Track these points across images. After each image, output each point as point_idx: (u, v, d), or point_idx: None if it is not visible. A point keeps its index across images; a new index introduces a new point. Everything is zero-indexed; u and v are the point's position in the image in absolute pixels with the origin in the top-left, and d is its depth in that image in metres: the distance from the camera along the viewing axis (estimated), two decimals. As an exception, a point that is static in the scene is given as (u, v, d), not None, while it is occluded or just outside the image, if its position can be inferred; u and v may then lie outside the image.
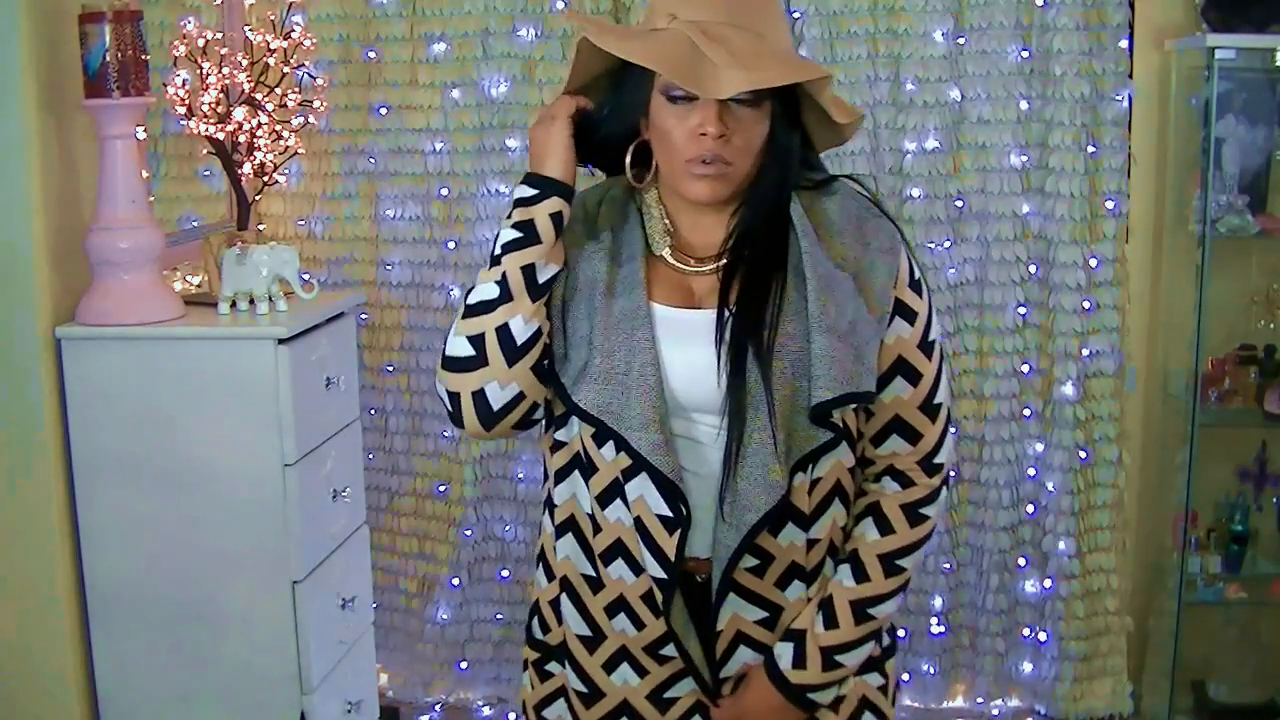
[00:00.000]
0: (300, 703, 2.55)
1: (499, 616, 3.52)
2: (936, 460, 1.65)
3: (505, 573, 3.50)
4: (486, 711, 3.54)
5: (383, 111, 3.34)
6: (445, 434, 3.47)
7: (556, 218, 1.60)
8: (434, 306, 3.41)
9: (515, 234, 1.60)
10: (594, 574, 1.65)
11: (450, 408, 1.63)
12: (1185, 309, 3.25)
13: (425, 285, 3.41)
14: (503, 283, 1.60)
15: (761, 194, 1.61)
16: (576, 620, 1.68)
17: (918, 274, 1.64)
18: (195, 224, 3.01)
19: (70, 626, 2.51)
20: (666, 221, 1.66)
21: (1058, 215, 3.23)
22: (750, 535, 1.55)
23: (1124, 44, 3.19)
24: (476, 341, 1.60)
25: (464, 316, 1.62)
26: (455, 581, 3.50)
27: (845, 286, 1.56)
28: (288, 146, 2.81)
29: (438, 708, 3.55)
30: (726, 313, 1.58)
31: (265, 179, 2.81)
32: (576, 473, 1.65)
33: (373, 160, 3.38)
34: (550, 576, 1.71)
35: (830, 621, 1.62)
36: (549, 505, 1.71)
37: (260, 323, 2.52)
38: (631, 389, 1.57)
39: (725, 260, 1.61)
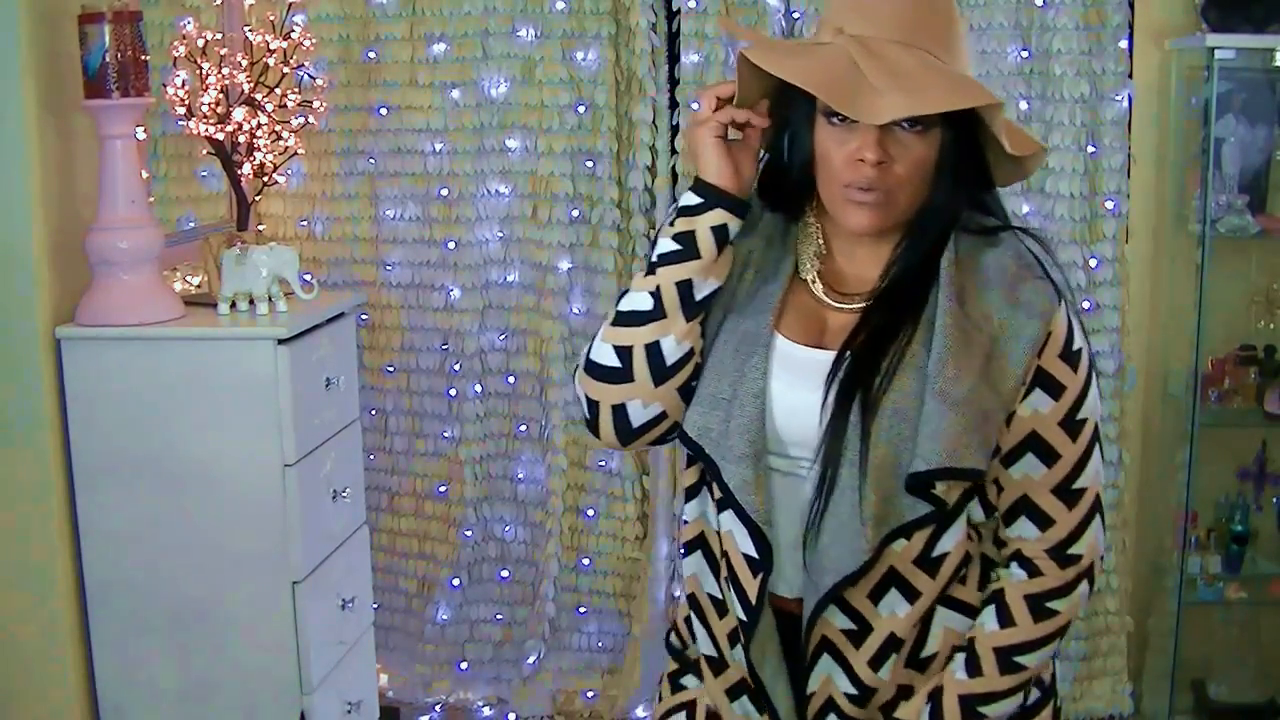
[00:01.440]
0: (300, 703, 2.55)
1: (499, 616, 3.52)
2: (1072, 551, 1.46)
3: (505, 573, 3.51)
4: (486, 712, 3.54)
5: (383, 111, 3.34)
6: (445, 434, 3.47)
7: (720, 231, 1.49)
8: (434, 306, 3.42)
9: (673, 245, 1.50)
10: (720, 596, 1.58)
11: (587, 414, 1.55)
12: (1185, 309, 3.25)
13: (425, 285, 3.41)
14: (656, 295, 1.50)
15: (924, 230, 1.49)
16: (705, 641, 1.62)
17: (1077, 345, 1.46)
18: (194, 224, 3.01)
19: (70, 626, 2.51)
20: (821, 243, 1.56)
21: (1057, 215, 3.23)
22: (826, 598, 1.46)
23: (1124, 44, 3.19)
24: (624, 354, 1.52)
25: (613, 323, 1.53)
26: (455, 581, 3.50)
27: (976, 350, 1.42)
28: (287, 147, 2.81)
29: (438, 708, 3.55)
30: (847, 354, 1.47)
31: (265, 179, 2.81)
32: (705, 490, 1.58)
33: (373, 160, 3.38)
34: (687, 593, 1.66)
35: (936, 716, 1.49)
36: (681, 522, 1.65)
37: (260, 323, 2.51)
38: (733, 417, 1.49)
39: (871, 301, 1.50)
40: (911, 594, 1.47)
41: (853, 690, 1.51)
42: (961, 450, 1.40)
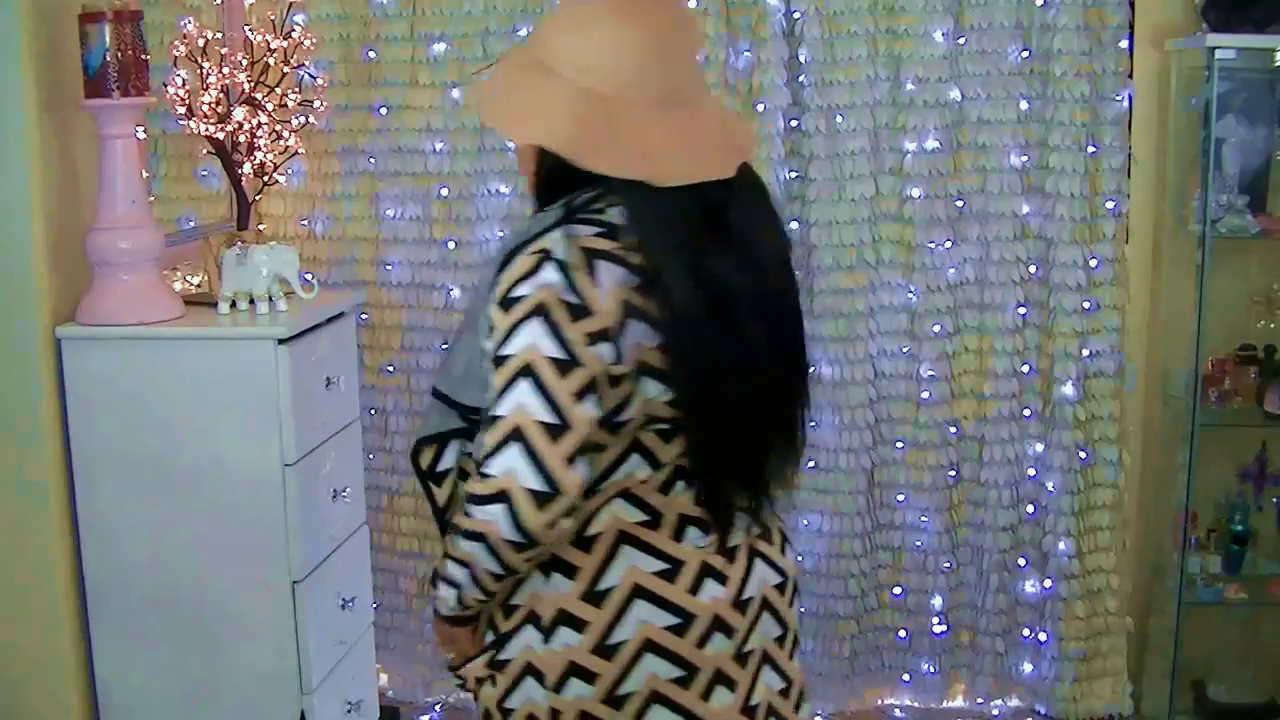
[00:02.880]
0: (300, 703, 2.55)
1: (499, 616, 3.52)
2: (484, 470, 1.55)
3: (505, 573, 3.50)
4: (486, 711, 3.54)
5: (383, 111, 3.34)
6: (445, 434, 3.46)
7: None
8: (434, 306, 3.41)
9: None
10: None
11: None
12: (1185, 309, 3.25)
13: (425, 285, 3.41)
14: None
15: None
16: None
17: (518, 293, 1.57)
18: (194, 224, 3.01)
19: (70, 626, 2.51)
20: None
21: (1058, 215, 3.23)
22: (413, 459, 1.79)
23: (1124, 44, 3.19)
24: None
25: None
26: (455, 581, 3.49)
27: (477, 302, 1.69)
28: (288, 146, 2.81)
29: (438, 708, 3.55)
30: None
31: (265, 179, 2.81)
32: None
33: (373, 160, 3.38)
34: None
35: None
36: None
37: (260, 323, 2.52)
38: None
39: None
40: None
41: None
42: (450, 381, 1.72)
